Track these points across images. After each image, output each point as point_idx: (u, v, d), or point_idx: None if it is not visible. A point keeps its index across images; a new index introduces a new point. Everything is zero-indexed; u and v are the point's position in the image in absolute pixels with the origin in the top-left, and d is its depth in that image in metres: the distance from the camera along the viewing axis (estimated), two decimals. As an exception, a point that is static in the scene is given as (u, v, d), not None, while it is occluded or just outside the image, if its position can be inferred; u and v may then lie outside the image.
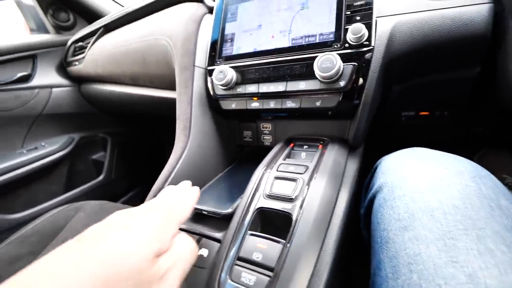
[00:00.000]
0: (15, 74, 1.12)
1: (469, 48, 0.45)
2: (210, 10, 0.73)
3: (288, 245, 0.34)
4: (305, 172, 0.44)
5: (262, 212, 0.41)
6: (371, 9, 0.47)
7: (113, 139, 1.42)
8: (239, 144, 0.71)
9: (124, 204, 0.97)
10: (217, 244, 0.40)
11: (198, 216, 0.50)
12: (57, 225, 0.53)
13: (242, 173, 0.61)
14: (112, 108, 1.21)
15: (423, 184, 0.31)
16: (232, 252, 0.35)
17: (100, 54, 1.01)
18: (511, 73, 0.43)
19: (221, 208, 0.46)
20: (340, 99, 0.48)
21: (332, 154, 0.48)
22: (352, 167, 0.49)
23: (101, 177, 1.38)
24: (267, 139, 0.66)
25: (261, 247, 0.35)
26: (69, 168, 1.23)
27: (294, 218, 0.37)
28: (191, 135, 0.58)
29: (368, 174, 0.47)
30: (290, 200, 0.40)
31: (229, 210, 0.45)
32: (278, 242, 0.35)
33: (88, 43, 1.10)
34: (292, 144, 0.57)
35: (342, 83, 0.47)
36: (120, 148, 1.45)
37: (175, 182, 0.53)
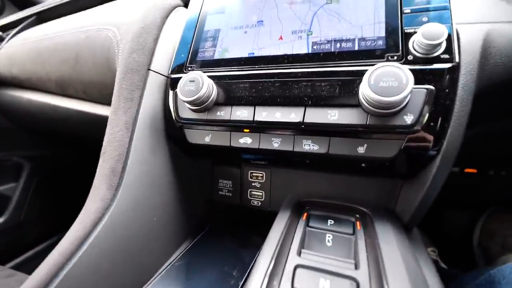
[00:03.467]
0: None
1: None
2: (186, 3, 0.52)
3: None
4: None
5: None
6: (447, 8, 0.29)
7: (33, 166, 1.04)
8: (209, 199, 0.45)
9: (13, 270, 0.63)
10: None
11: None
12: None
13: (216, 261, 0.34)
14: (31, 123, 0.88)
15: None
16: None
17: (19, 48, 0.72)
18: None
19: None
20: (403, 146, 0.27)
21: (395, 249, 0.25)
22: (431, 274, 0.26)
23: (2, 219, 0.97)
24: (257, 196, 0.41)
25: None
26: None
27: None
28: (122, 186, 0.31)
29: None
30: None
31: None
32: None
33: (9, 34, 0.80)
34: (305, 216, 0.33)
35: (408, 119, 0.27)
36: (41, 178, 1.07)
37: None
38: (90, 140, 0.94)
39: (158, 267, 0.34)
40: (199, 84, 0.34)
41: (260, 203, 0.41)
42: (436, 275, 0.26)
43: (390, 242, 0.26)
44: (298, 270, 0.23)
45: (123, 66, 0.39)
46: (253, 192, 0.42)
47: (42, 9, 0.77)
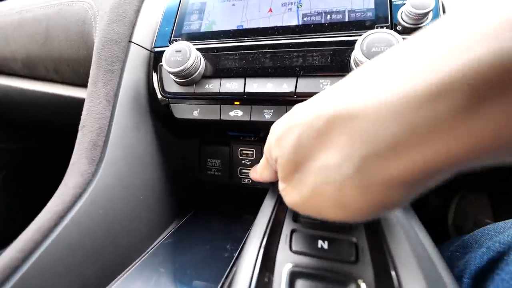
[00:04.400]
0: None
1: None
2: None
3: None
4: (357, 258, 0.20)
5: None
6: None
7: (-2, 159, 0.95)
8: (197, 180, 0.43)
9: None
10: None
11: None
12: None
13: (203, 242, 0.33)
14: (-6, 111, 0.80)
15: None
16: None
17: (-23, 25, 0.64)
18: None
19: None
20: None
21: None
22: (424, 238, 0.27)
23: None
24: (248, 174, 0.40)
25: None
26: None
27: None
28: (104, 161, 0.29)
29: None
30: None
31: None
32: None
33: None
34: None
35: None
36: (8, 173, 0.98)
37: (44, 270, 0.22)
38: (64, 128, 0.88)
39: (144, 248, 0.32)
40: (186, 54, 0.32)
41: (251, 181, 0.40)
42: (426, 234, 0.27)
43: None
44: (295, 234, 0.23)
45: (102, 36, 0.36)
46: (243, 170, 0.41)
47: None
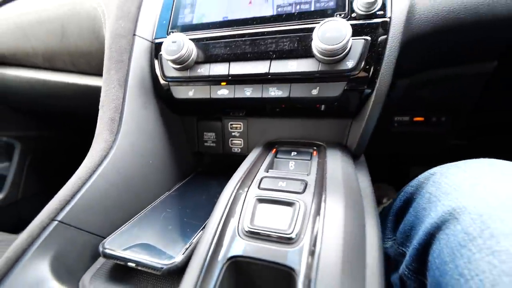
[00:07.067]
0: None
1: (500, 31, 0.36)
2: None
3: None
4: (304, 190, 0.28)
5: (237, 265, 0.22)
6: (383, -29, 0.35)
7: (24, 146, 1.07)
8: (196, 151, 0.51)
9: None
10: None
11: (122, 271, 0.29)
12: None
13: (202, 191, 0.42)
14: (19, 101, 0.90)
15: None
16: None
17: None
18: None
19: (162, 257, 0.26)
20: (346, 86, 0.35)
21: (338, 163, 0.33)
22: (365, 181, 0.34)
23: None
24: (237, 144, 0.49)
25: None
26: None
27: (301, 277, 0.20)
28: (121, 132, 0.37)
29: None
30: (288, 241, 0.23)
31: (177, 260, 0.26)
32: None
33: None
34: (274, 150, 0.40)
35: (350, 64, 0.34)
36: (34, 157, 1.10)
37: (84, 208, 0.31)
38: (81, 113, 0.98)
39: (155, 199, 0.41)
40: (180, 44, 0.39)
41: (239, 150, 0.48)
42: (368, 180, 0.35)
43: (335, 160, 0.34)
44: (264, 179, 0.31)
45: (111, 32, 0.44)
46: (233, 141, 0.49)
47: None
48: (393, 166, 0.82)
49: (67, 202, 0.29)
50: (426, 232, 0.25)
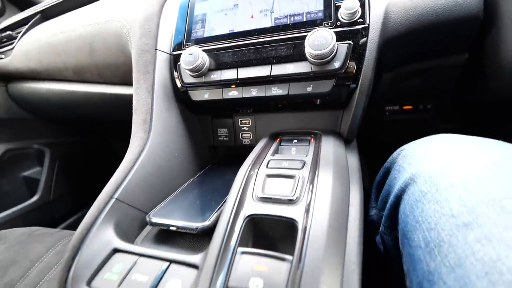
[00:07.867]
0: None
1: (461, 29, 0.42)
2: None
3: (300, 264, 0.24)
4: (303, 167, 0.36)
5: (253, 221, 0.30)
6: (362, -15, 0.42)
7: (53, 152, 1.18)
8: (212, 145, 0.60)
9: (64, 230, 0.78)
10: (193, 272, 0.29)
11: (164, 235, 0.38)
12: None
13: (219, 177, 0.50)
14: (50, 111, 1.00)
15: (476, 171, 0.25)
16: (219, 282, 0.24)
17: (33, 44, 0.82)
18: (502, 52, 0.41)
19: (196, 221, 0.34)
20: (334, 83, 0.42)
21: (331, 146, 0.40)
22: (354, 160, 0.42)
23: (35, 198, 1.12)
24: (246, 136, 0.56)
25: (261, 269, 0.25)
26: (-11, 188, 0.97)
27: (300, 225, 0.28)
28: (152, 131, 0.45)
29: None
30: (290, 202, 0.30)
31: (207, 223, 0.34)
32: (283, 260, 0.25)
33: (19, 33, 0.90)
34: (278, 139, 0.48)
35: (336, 64, 0.41)
36: (62, 161, 1.21)
37: (131, 190, 0.39)
38: (104, 121, 1.08)
39: (181, 185, 0.49)
40: (196, 56, 0.47)
41: (249, 142, 0.56)
42: (357, 159, 0.42)
43: (328, 144, 0.42)
44: (271, 161, 0.39)
45: (137, 48, 0.52)
46: (243, 134, 0.57)
47: (45, 7, 0.87)
48: (391, 151, 0.88)
49: (119, 184, 0.38)
50: (395, 195, 0.32)
